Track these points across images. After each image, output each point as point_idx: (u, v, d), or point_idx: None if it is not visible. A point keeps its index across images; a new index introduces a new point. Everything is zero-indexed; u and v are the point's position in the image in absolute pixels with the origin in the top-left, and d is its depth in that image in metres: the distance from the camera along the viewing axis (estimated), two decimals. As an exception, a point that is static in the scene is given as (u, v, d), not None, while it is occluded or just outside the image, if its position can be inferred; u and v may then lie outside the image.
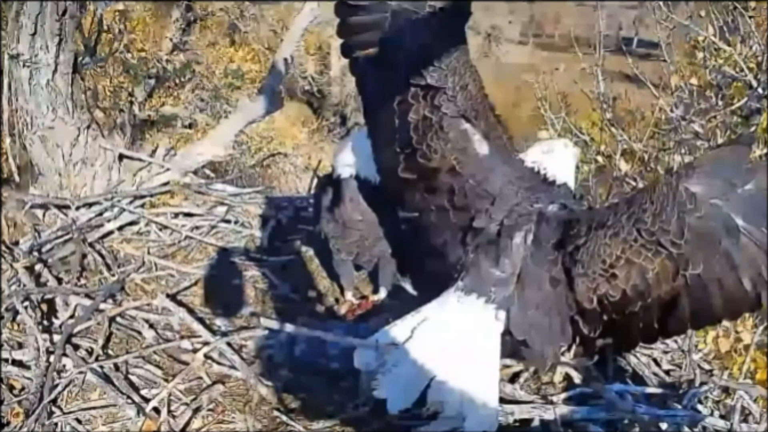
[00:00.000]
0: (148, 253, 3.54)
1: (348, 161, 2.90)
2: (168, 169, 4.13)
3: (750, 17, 5.19)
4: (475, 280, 2.41)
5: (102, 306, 3.02)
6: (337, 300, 3.29)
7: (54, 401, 2.58)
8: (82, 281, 3.29)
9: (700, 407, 2.69)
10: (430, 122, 2.46)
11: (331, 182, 3.02)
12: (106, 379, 2.66)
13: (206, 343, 2.82)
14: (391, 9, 2.53)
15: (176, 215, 3.84)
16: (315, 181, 4.35)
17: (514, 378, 2.67)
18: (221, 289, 3.31)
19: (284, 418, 2.50)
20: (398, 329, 2.39)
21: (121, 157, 4.05)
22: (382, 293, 3.19)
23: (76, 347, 2.82)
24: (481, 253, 2.42)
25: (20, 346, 2.83)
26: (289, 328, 2.69)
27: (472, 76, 2.47)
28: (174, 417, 2.51)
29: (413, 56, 2.48)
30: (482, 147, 2.46)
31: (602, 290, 2.21)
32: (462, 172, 2.45)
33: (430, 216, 2.53)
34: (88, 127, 3.91)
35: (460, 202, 2.46)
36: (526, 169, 2.52)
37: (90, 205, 3.82)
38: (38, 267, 3.29)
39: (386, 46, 2.54)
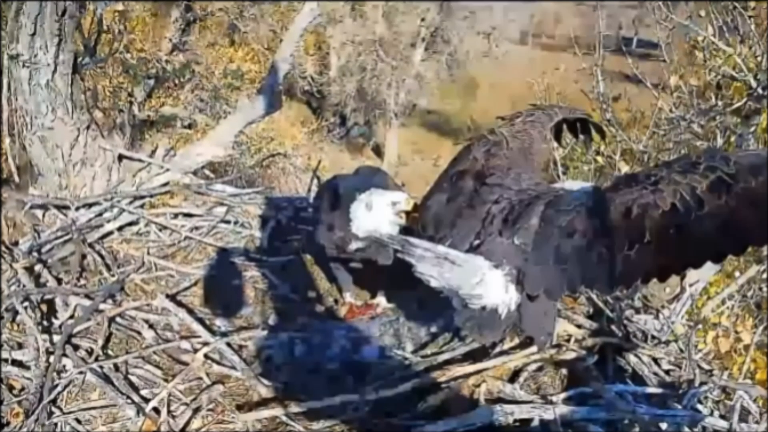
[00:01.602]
0: (148, 253, 3.54)
1: (371, 225, 2.87)
2: (168, 170, 4.13)
3: (750, 17, 5.19)
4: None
5: (102, 306, 3.03)
6: (336, 301, 3.29)
7: (54, 401, 2.58)
8: (82, 281, 3.29)
9: (700, 407, 2.69)
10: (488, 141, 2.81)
11: (330, 195, 3.02)
12: (106, 379, 2.66)
13: (206, 344, 2.82)
14: None
15: (176, 216, 3.84)
16: (314, 181, 4.34)
17: (513, 378, 2.67)
18: (221, 290, 3.31)
19: (284, 418, 2.50)
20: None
21: (120, 157, 4.05)
22: (381, 297, 3.18)
23: (76, 347, 2.82)
24: (493, 232, 2.44)
25: (20, 346, 2.84)
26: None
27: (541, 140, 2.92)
28: (174, 417, 2.51)
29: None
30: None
31: (646, 200, 2.14)
32: (487, 176, 2.66)
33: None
34: (88, 127, 3.91)
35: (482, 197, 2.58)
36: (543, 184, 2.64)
37: (90, 205, 3.82)
38: (38, 267, 3.29)
39: None
